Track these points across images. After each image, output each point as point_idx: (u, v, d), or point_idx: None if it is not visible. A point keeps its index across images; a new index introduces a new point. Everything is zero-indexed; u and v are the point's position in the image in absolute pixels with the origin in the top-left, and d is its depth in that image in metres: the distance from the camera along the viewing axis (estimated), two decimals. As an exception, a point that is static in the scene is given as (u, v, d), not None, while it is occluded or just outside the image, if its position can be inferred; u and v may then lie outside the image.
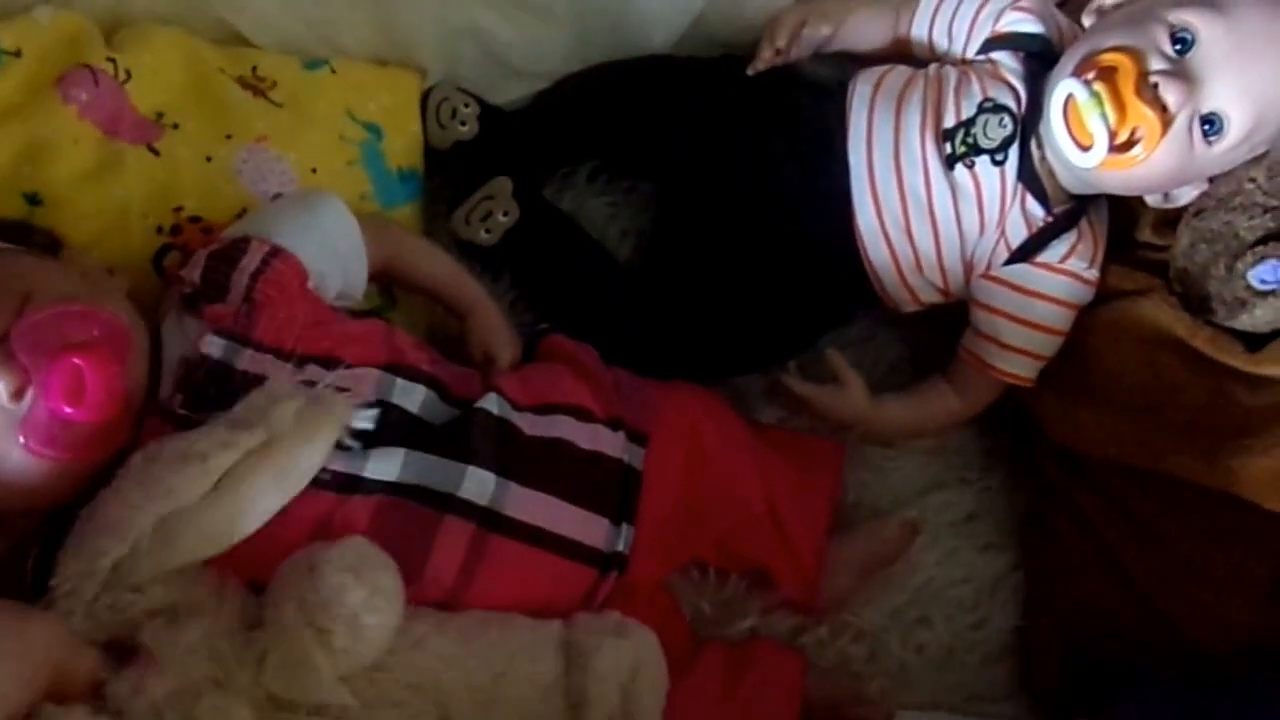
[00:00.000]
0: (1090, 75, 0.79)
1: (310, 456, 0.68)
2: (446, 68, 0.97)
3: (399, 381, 0.76)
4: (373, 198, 0.92)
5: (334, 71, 0.93)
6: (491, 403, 0.79)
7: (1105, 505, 0.86)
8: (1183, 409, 0.82)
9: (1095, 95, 0.78)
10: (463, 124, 0.96)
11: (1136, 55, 0.78)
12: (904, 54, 0.96)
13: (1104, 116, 0.78)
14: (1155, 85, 0.78)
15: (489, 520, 0.74)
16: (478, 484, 0.74)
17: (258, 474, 0.65)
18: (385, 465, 0.72)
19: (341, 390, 0.72)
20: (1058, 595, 0.89)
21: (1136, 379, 0.85)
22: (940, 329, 0.95)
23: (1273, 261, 0.77)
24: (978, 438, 0.99)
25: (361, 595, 0.63)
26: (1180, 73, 0.78)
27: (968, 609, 0.93)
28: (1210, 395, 0.81)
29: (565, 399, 0.83)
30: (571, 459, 0.80)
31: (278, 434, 0.65)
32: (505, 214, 0.94)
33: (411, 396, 0.77)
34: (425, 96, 0.96)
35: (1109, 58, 0.79)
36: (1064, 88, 0.80)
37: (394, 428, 0.74)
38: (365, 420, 0.71)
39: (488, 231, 0.94)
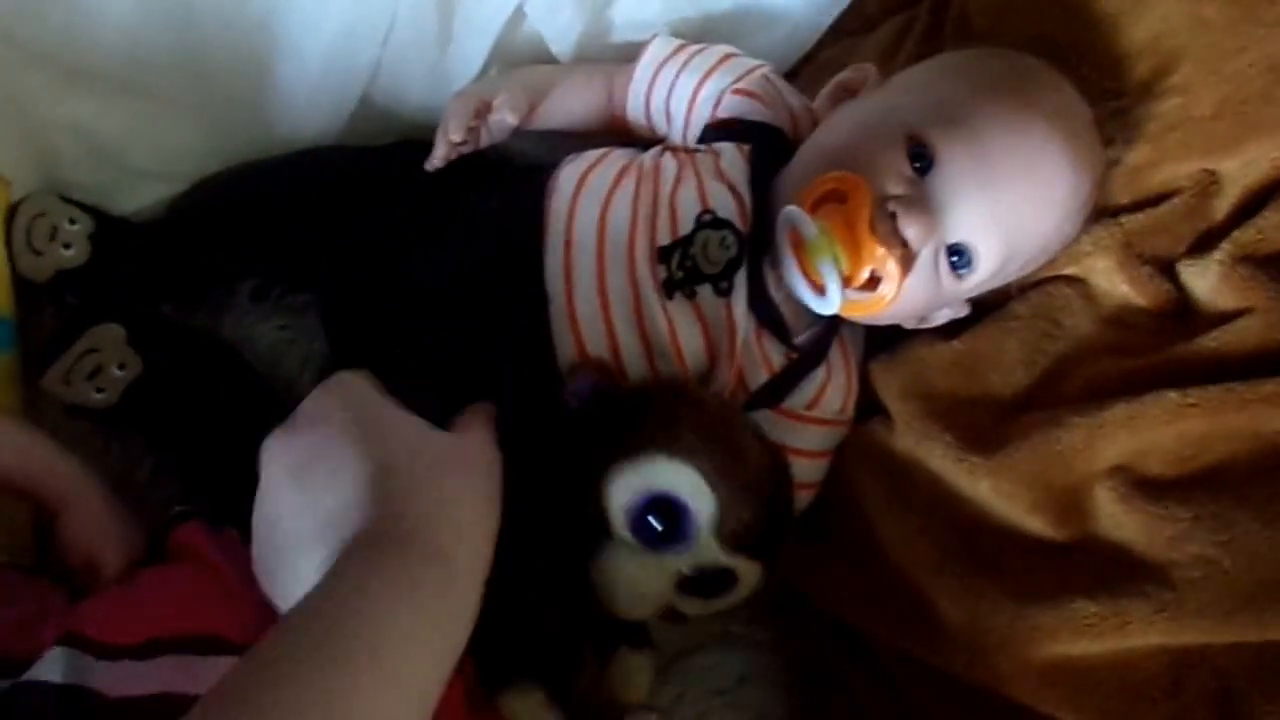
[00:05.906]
0: (817, 202, 0.62)
1: None
2: (43, 172, 0.76)
3: None
4: (-57, 355, 0.71)
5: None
6: (53, 666, 0.58)
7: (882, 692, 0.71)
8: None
9: (823, 234, 0.61)
10: (67, 246, 0.75)
11: (871, 178, 0.62)
12: (625, 131, 0.78)
13: (835, 260, 0.62)
14: (894, 214, 0.62)
15: None
16: None
17: None
18: None
19: None
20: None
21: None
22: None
23: None
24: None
25: None
26: (920, 201, 0.62)
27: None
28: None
29: (183, 627, 0.63)
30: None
31: None
32: (122, 367, 0.73)
33: None
34: (12, 212, 0.74)
35: (839, 181, 0.62)
36: (787, 218, 0.63)
37: None
38: None
39: (100, 391, 0.73)
